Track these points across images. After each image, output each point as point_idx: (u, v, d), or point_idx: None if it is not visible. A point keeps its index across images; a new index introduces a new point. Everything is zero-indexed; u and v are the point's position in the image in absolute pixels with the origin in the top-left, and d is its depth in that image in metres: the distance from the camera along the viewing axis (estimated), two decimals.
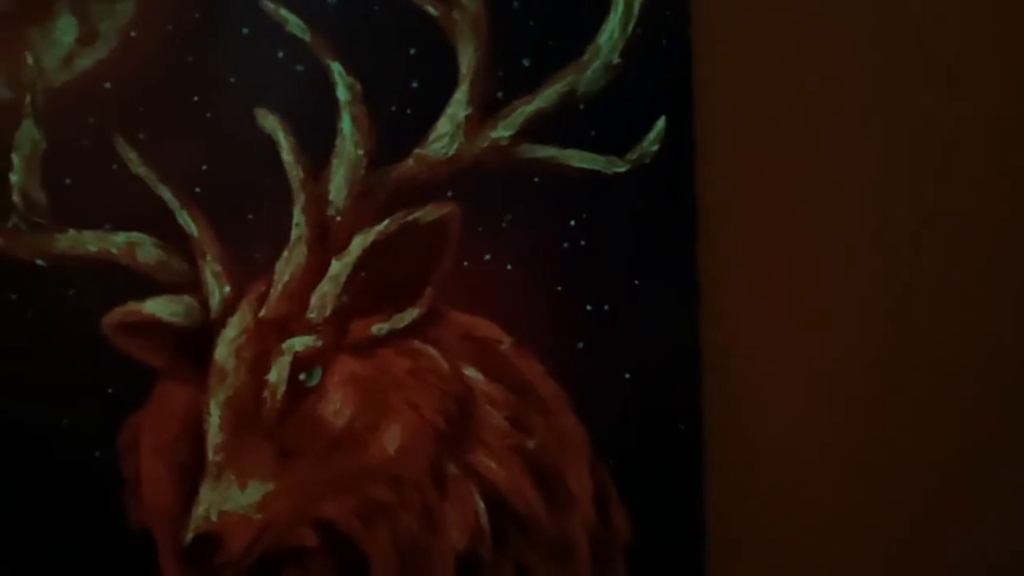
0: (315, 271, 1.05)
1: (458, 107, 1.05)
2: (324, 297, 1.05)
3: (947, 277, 1.14)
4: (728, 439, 1.11)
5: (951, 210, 1.13)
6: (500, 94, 1.05)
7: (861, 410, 1.14)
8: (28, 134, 1.03)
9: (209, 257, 1.05)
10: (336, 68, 1.04)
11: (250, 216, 1.05)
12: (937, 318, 1.14)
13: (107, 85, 1.03)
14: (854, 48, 1.11)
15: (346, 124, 1.04)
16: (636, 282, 1.08)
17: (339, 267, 1.04)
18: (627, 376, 1.09)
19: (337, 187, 1.05)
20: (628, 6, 1.05)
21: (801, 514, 1.14)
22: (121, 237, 1.04)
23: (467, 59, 1.05)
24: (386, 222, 1.04)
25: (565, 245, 1.07)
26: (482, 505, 1.07)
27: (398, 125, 1.05)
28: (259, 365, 1.04)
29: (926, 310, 1.14)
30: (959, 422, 1.15)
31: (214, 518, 1.02)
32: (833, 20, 1.10)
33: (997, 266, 1.14)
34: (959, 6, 1.11)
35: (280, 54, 1.04)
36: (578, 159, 1.06)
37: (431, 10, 1.04)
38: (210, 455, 1.03)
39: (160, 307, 1.05)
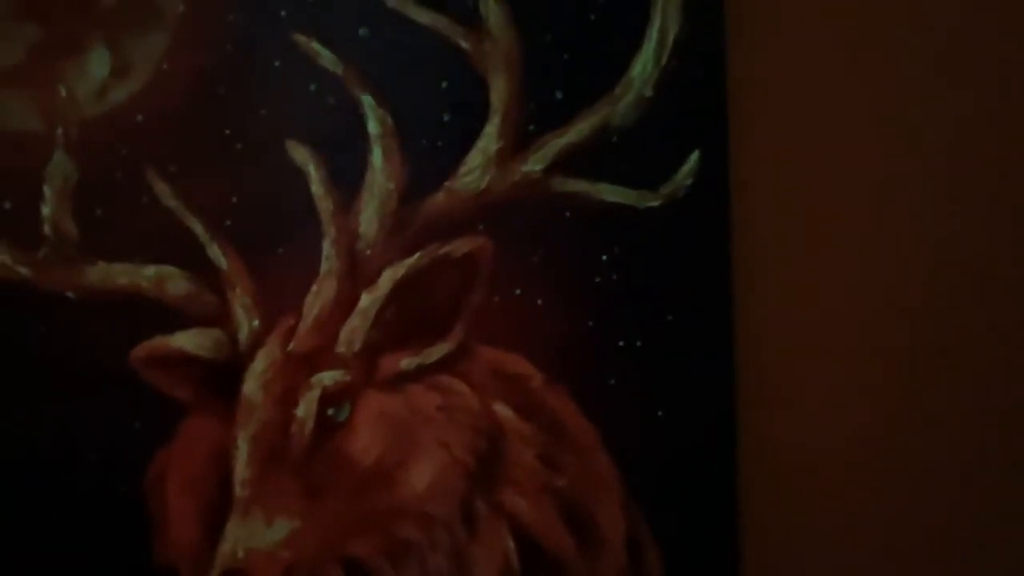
0: (345, 305, 1.04)
1: (489, 140, 1.04)
2: (353, 331, 1.04)
3: (991, 304, 1.12)
4: (764, 479, 1.10)
5: (990, 235, 1.12)
6: (532, 127, 1.05)
7: (902, 450, 1.12)
8: (60, 166, 1.03)
9: (239, 290, 1.04)
10: (367, 101, 1.04)
11: (280, 249, 1.05)
12: (981, 348, 1.12)
13: (139, 118, 1.04)
14: (891, 81, 1.10)
15: (377, 157, 1.04)
16: (669, 318, 1.07)
17: (369, 301, 1.04)
18: (660, 414, 1.08)
19: (367, 220, 1.04)
20: (662, 38, 1.05)
21: (841, 557, 1.13)
22: (151, 270, 1.04)
23: (499, 92, 1.04)
24: (416, 256, 1.04)
25: (597, 280, 1.06)
26: (512, 545, 1.06)
27: (429, 158, 1.05)
28: (287, 399, 1.03)
29: (972, 343, 1.12)
30: (1001, 453, 1.13)
31: (240, 555, 1.01)
32: (870, 53, 1.09)
33: None
34: (1000, 39, 1.10)
35: (312, 87, 1.04)
36: (610, 193, 1.06)
37: (463, 43, 1.04)
38: (237, 490, 1.02)
39: (188, 340, 1.05)
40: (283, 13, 1.03)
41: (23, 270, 1.04)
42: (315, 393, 1.03)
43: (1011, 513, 1.14)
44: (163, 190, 1.04)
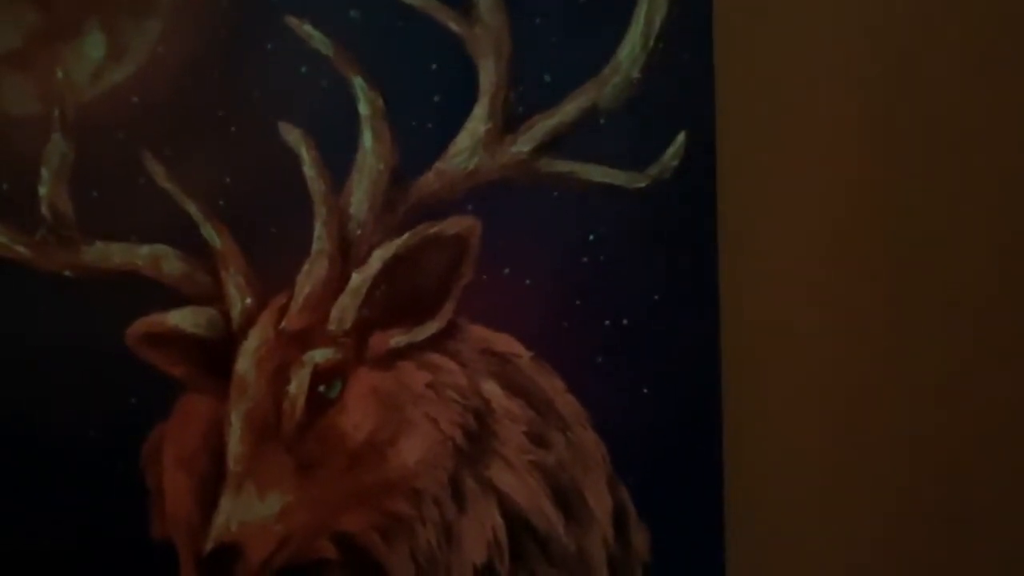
0: (336, 284, 1.05)
1: (479, 122, 1.06)
2: (344, 310, 1.05)
3: (979, 288, 1.13)
4: (748, 456, 1.11)
5: (978, 223, 1.13)
6: (521, 109, 1.06)
7: (885, 430, 1.13)
8: (57, 148, 1.05)
9: (232, 269, 1.06)
10: (358, 83, 1.05)
11: (273, 229, 1.06)
12: (968, 334, 1.13)
13: (134, 100, 1.05)
14: (875, 65, 1.11)
15: (367, 139, 1.05)
16: (655, 297, 1.09)
17: (359, 280, 1.05)
18: (645, 391, 1.09)
19: (358, 201, 1.06)
20: (649, 21, 1.06)
21: (822, 536, 1.14)
22: (146, 249, 1.06)
23: (488, 74, 1.06)
24: (406, 236, 1.05)
25: (584, 259, 1.08)
26: (500, 520, 1.07)
27: (419, 139, 1.06)
28: (280, 377, 1.05)
29: (954, 327, 1.13)
30: (979, 452, 1.14)
31: (234, 528, 1.02)
32: (855, 37, 1.10)
33: None
34: (982, 32, 1.11)
35: (303, 69, 1.05)
36: (598, 174, 1.07)
37: (453, 26, 1.05)
38: (231, 465, 1.03)
39: (183, 318, 1.06)
40: None
41: (21, 250, 1.05)
42: (307, 370, 1.04)
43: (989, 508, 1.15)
44: (158, 171, 1.05)
